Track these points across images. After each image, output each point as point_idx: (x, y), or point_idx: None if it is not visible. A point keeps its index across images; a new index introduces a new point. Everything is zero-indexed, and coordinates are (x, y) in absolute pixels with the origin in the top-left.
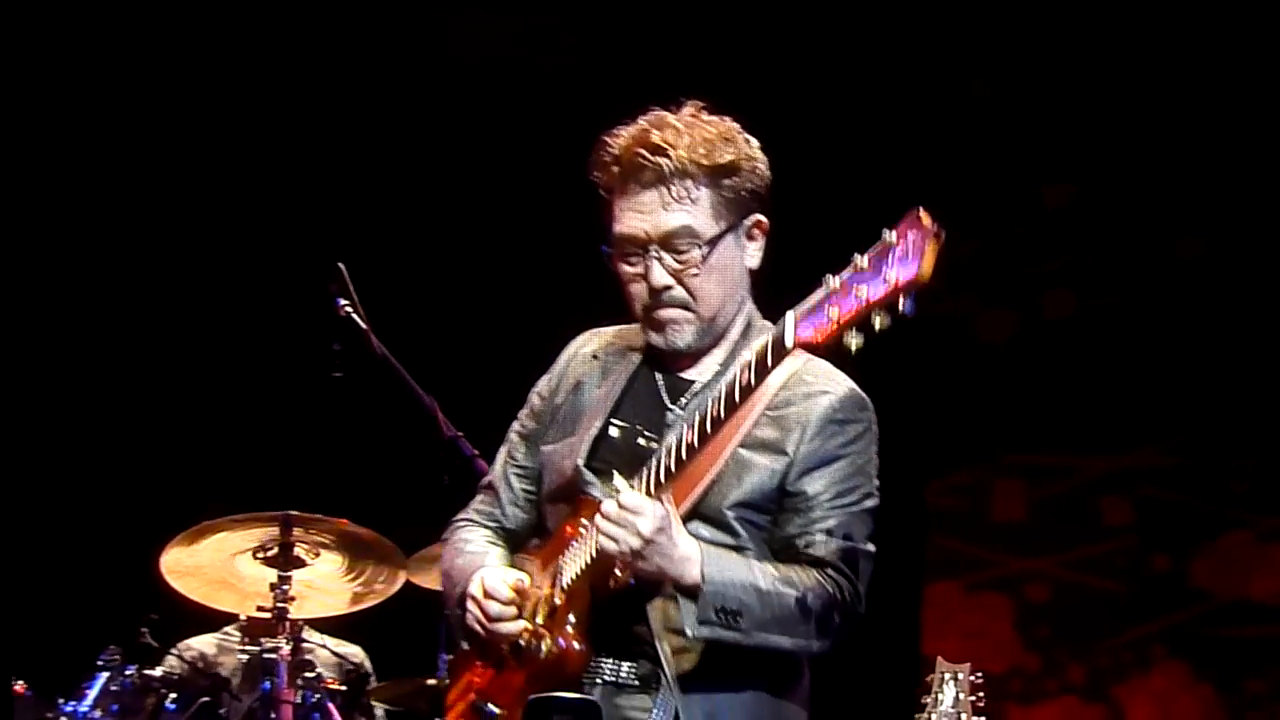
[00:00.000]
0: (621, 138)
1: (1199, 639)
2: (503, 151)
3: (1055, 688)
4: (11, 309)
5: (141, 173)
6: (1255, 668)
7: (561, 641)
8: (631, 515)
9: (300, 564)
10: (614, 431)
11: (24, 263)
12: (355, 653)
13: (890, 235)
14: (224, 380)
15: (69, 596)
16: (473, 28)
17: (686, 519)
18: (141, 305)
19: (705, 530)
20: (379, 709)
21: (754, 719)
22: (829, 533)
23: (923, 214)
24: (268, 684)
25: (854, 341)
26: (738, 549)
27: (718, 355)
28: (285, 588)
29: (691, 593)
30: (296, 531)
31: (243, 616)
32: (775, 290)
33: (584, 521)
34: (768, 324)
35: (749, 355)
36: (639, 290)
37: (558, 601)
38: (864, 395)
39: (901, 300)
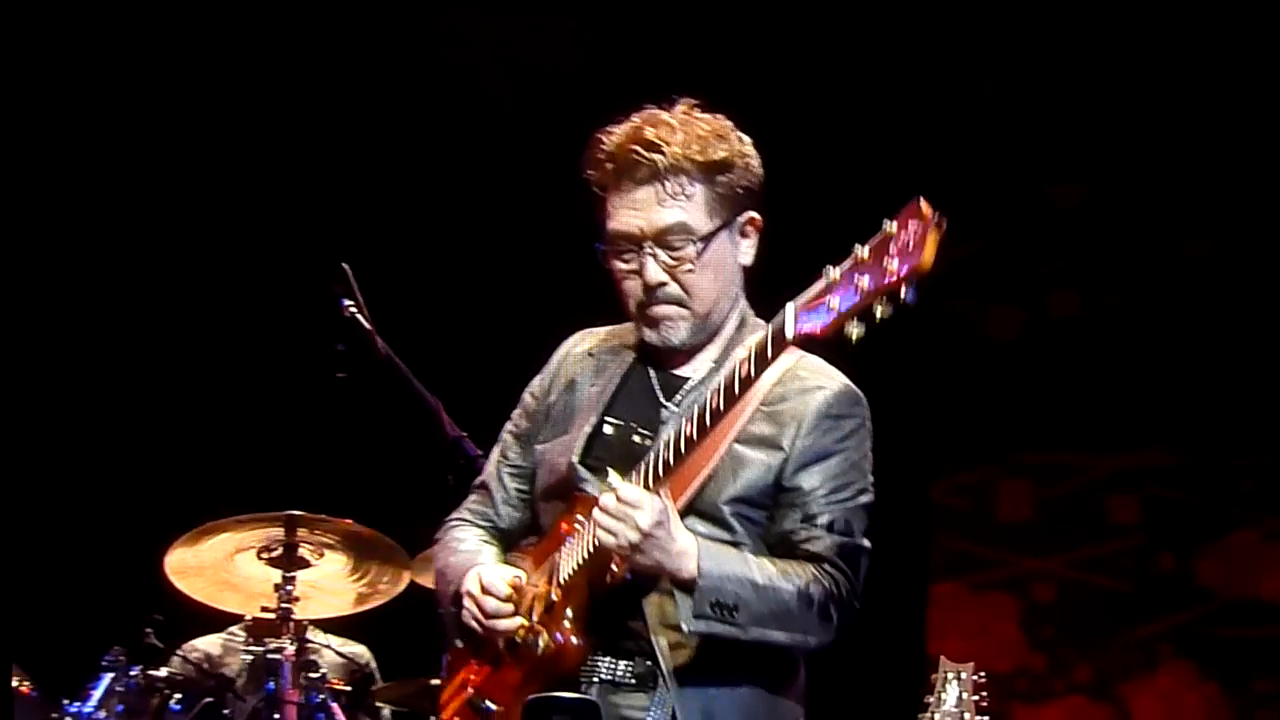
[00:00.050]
0: (615, 135)
1: (1205, 638)
2: (507, 153)
3: (1061, 687)
4: (17, 310)
5: (147, 175)
6: (1262, 667)
7: (559, 636)
8: (630, 509)
9: (304, 564)
10: (608, 429)
11: (31, 265)
12: (360, 653)
13: (891, 226)
14: (228, 381)
15: (74, 597)
16: (476, 29)
17: (682, 515)
18: (145, 306)
19: (701, 526)
20: (384, 709)
21: (750, 715)
22: (825, 528)
23: (923, 204)
24: (272, 684)
25: (855, 331)
26: (734, 544)
27: (711, 352)
28: (289, 588)
29: (688, 587)
30: (301, 532)
31: (248, 617)
32: (783, 289)
33: (580, 518)
34: (760, 321)
35: (747, 348)
36: (633, 287)
37: (554, 597)
38: (858, 391)
39: (903, 289)
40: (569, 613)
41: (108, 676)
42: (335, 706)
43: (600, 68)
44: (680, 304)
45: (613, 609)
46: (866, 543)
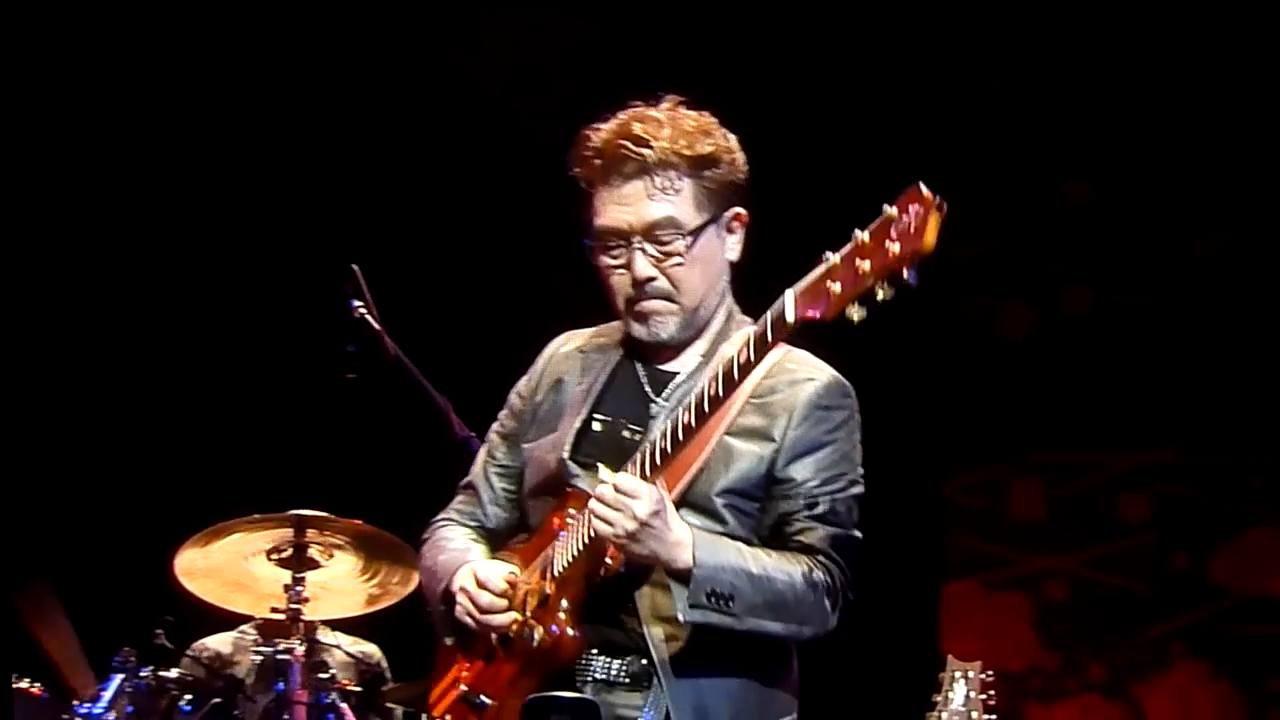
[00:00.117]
0: (603, 131)
1: (1219, 637)
2: (516, 155)
3: (1075, 686)
4: (29, 312)
5: (158, 176)
6: (1275, 665)
7: (555, 629)
8: (628, 498)
9: (314, 565)
10: (597, 425)
11: (41, 267)
12: (371, 653)
13: (891, 210)
14: (238, 382)
15: (84, 598)
16: (485, 32)
17: (675, 507)
18: (156, 308)
19: (694, 518)
20: (395, 709)
21: (742, 707)
22: (818, 519)
23: (923, 188)
24: (281, 685)
25: (857, 314)
26: (727, 536)
27: (699, 347)
28: (299, 589)
29: (683, 577)
30: (310, 533)
31: (257, 618)
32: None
33: (572, 512)
34: (747, 319)
35: (747, 335)
36: (621, 283)
37: (548, 591)
38: (847, 383)
39: (906, 271)
40: (564, 604)
41: (118, 677)
42: (345, 707)
43: (613, 67)
44: (669, 298)
45: (605, 602)
46: (858, 534)
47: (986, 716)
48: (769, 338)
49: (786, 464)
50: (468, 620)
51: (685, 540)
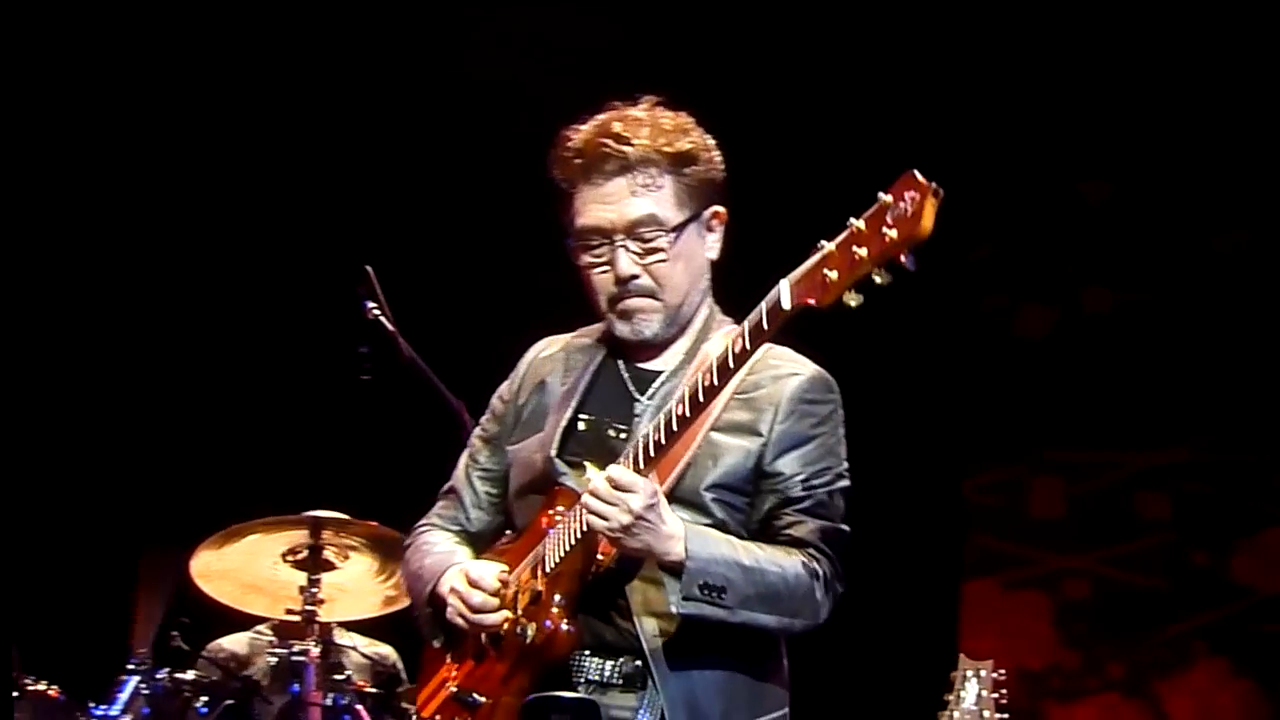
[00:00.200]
0: (583, 131)
1: (1240, 635)
2: (530, 157)
3: (1095, 685)
4: (42, 315)
5: (174, 180)
6: None
7: (549, 624)
8: (623, 492)
9: (330, 567)
10: (582, 425)
11: (57, 269)
12: (387, 654)
13: (886, 197)
14: (253, 384)
15: (100, 601)
16: (501, 34)
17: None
18: (169, 310)
19: (684, 513)
20: (411, 710)
21: (734, 702)
22: (806, 512)
23: (917, 174)
24: (296, 686)
25: (854, 301)
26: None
27: (682, 345)
28: (315, 590)
29: (675, 570)
30: (326, 534)
31: (274, 619)
32: None
33: (560, 510)
34: (728, 319)
35: (748, 322)
36: (604, 281)
37: (540, 588)
38: (830, 377)
39: (904, 256)
40: (557, 599)
41: (133, 679)
42: (360, 708)
43: (626, 67)
44: (652, 296)
45: (597, 599)
46: (846, 526)
47: (999, 715)
48: (765, 326)
49: (774, 458)
50: (459, 620)
51: (678, 533)
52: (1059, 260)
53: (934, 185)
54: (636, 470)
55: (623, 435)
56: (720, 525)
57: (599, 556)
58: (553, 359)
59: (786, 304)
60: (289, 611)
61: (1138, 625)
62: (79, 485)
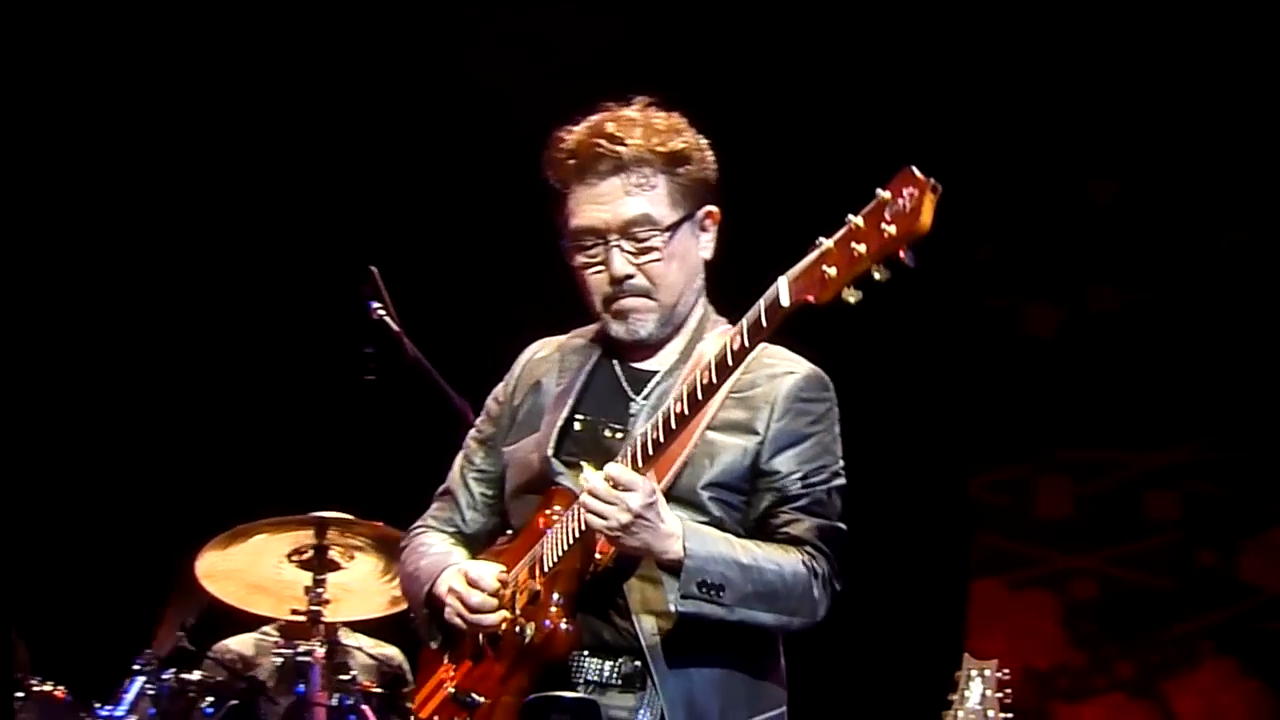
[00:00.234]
0: (576, 132)
1: (1247, 634)
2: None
3: (1103, 684)
4: (47, 315)
5: (179, 181)
6: None
7: (548, 623)
8: (623, 491)
9: (335, 567)
10: (577, 425)
11: (65, 272)
12: (393, 655)
13: (884, 193)
14: (257, 384)
15: (106, 601)
16: (506, 35)
17: None
18: (176, 311)
19: (681, 512)
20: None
21: (732, 700)
22: (803, 510)
23: (915, 170)
24: (302, 687)
25: (853, 297)
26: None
27: (677, 345)
28: (320, 590)
29: (674, 568)
30: (331, 534)
31: (280, 620)
32: None
33: (557, 509)
34: (722, 319)
35: (747, 319)
36: (599, 282)
37: (538, 588)
38: (825, 375)
39: (902, 252)
40: (556, 598)
41: (140, 680)
42: (366, 709)
43: (627, 67)
44: (647, 295)
45: (595, 598)
46: (843, 525)
47: (1003, 715)
48: (763, 323)
49: (771, 456)
50: (457, 621)
51: (676, 531)
52: (1065, 259)
53: (932, 181)
54: (634, 469)
55: (619, 435)
56: (717, 524)
57: (597, 556)
58: (547, 360)
59: (785, 301)
60: (294, 612)
61: (1145, 625)
62: (83, 485)
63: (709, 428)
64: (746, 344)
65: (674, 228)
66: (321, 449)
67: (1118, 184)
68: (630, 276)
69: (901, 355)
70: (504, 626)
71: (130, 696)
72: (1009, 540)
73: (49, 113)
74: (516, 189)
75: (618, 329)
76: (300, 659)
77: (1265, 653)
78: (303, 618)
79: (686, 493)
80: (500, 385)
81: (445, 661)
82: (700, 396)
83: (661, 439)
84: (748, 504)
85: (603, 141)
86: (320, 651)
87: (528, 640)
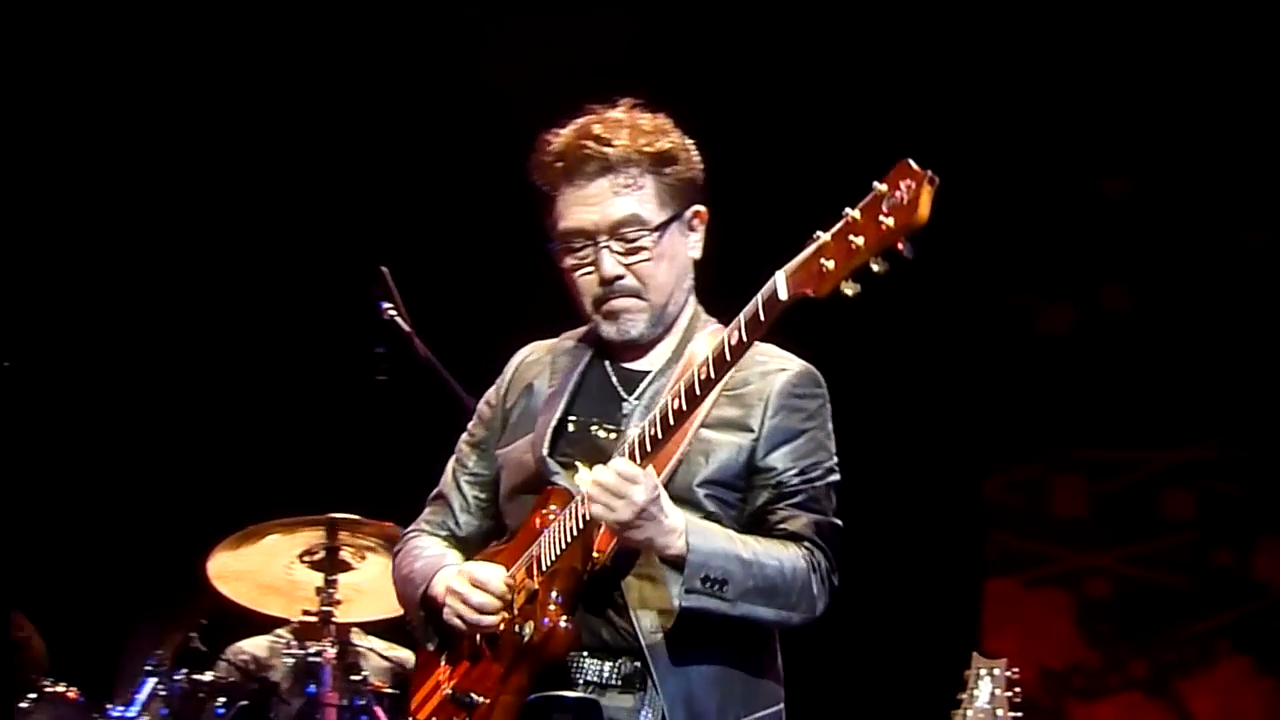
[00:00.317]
0: (563, 134)
1: (1263, 633)
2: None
3: (1118, 683)
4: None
5: (190, 181)
6: None
7: (547, 621)
8: (628, 484)
9: (346, 567)
10: (570, 426)
11: (76, 273)
12: (407, 658)
13: (881, 186)
14: (268, 385)
15: (119, 602)
16: (518, 37)
17: None
18: (188, 311)
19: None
20: None
21: (728, 695)
22: (799, 507)
23: (912, 163)
24: (313, 687)
25: (851, 290)
26: None
27: (668, 344)
28: (331, 591)
29: (676, 563)
30: (342, 535)
31: (292, 621)
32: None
33: (553, 509)
34: (712, 319)
35: (744, 316)
36: (588, 283)
37: (536, 587)
38: (817, 372)
39: (901, 244)
40: (554, 596)
41: (151, 681)
42: (378, 709)
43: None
44: (638, 295)
45: (594, 598)
46: (838, 520)
47: (1012, 714)
48: (761, 318)
49: (766, 453)
50: (456, 621)
51: (679, 526)
52: (1079, 257)
53: (929, 173)
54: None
55: (612, 435)
56: (713, 521)
57: (595, 553)
58: (539, 363)
59: (783, 294)
60: (306, 612)
61: (1160, 624)
62: (96, 486)
63: (703, 425)
64: (744, 339)
65: (663, 227)
66: (333, 449)
67: (1132, 182)
68: (620, 277)
69: (915, 355)
70: (503, 626)
71: (142, 697)
72: (1023, 539)
73: (60, 113)
74: (527, 190)
75: (609, 330)
76: (311, 659)
77: None
78: (314, 618)
79: (682, 490)
80: (491, 389)
81: (441, 663)
82: (699, 392)
83: (659, 435)
84: (743, 501)
85: (589, 143)
86: (331, 652)
87: (527, 639)
